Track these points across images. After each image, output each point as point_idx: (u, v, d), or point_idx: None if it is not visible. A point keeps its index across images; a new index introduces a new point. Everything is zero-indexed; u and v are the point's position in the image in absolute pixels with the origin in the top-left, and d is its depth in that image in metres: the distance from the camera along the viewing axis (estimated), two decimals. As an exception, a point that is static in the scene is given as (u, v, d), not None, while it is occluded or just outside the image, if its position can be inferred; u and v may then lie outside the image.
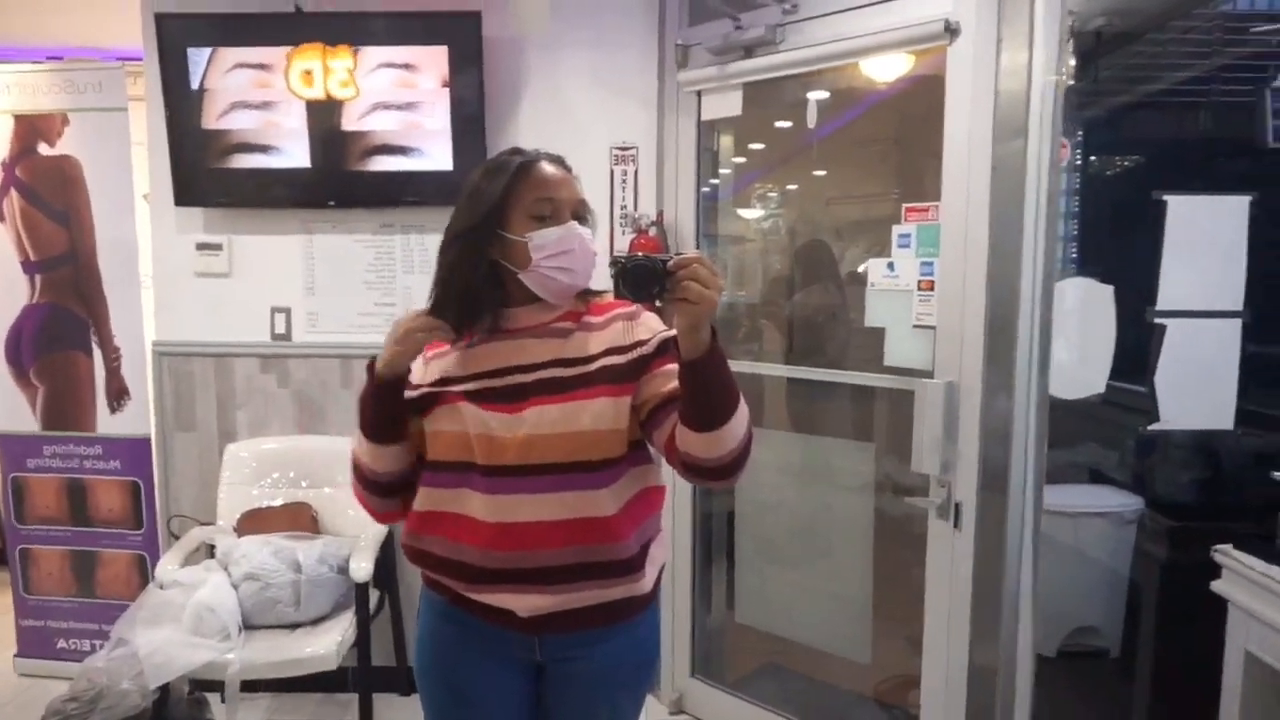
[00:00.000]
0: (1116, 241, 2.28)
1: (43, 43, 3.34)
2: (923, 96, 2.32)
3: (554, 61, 2.68)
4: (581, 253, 1.27)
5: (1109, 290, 1.87)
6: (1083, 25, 2.20)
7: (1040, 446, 1.93)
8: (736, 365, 2.69)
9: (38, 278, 2.87)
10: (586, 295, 1.34)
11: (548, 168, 1.28)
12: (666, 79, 2.65)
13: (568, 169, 1.31)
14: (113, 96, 2.73)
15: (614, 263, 1.09)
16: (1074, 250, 2.30)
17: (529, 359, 1.26)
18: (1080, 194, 1.96)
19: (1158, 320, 1.86)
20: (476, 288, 1.26)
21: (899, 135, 2.68)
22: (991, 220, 1.94)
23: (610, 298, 1.30)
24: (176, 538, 2.72)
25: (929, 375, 2.08)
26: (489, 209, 1.25)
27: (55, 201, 2.81)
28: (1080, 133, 2.36)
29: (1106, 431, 2.57)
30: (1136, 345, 1.84)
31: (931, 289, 2.08)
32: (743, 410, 1.14)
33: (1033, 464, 1.95)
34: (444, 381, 1.29)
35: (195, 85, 2.59)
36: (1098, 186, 2.22)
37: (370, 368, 1.25)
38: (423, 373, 1.31)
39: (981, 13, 1.94)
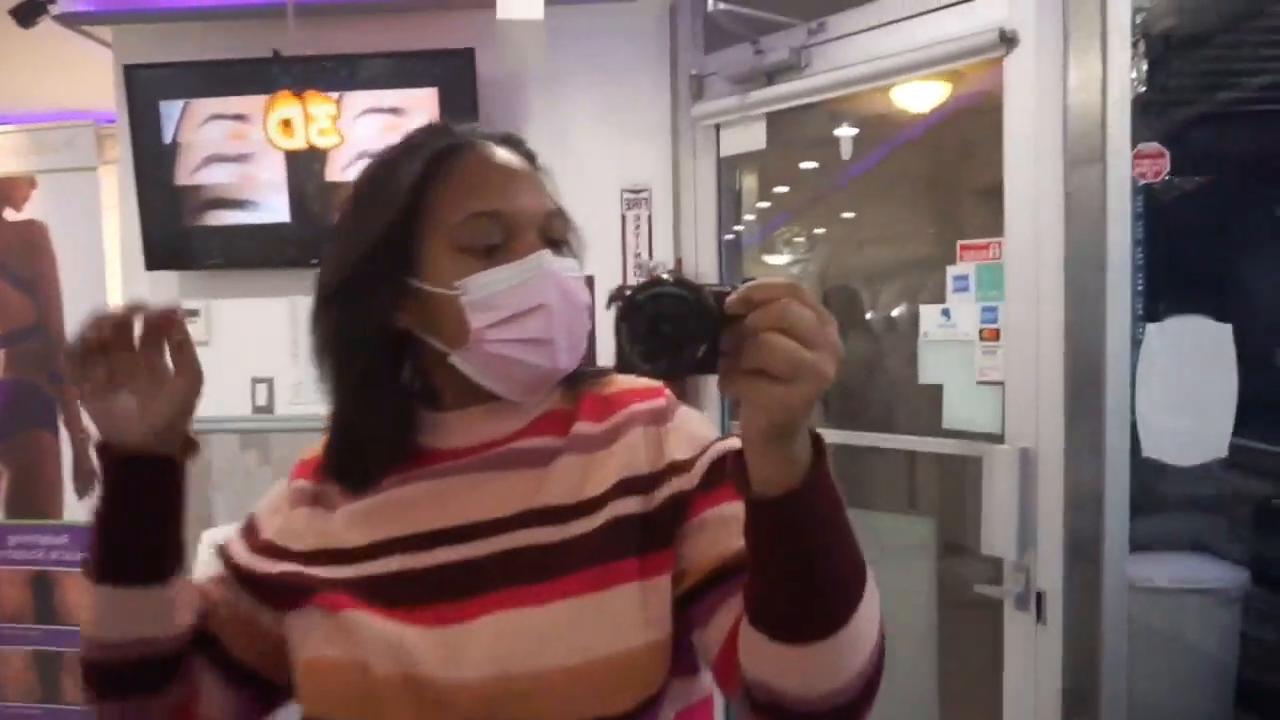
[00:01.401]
0: (1215, 272, 1.97)
1: (13, 108, 3.18)
2: (968, 122, 2.06)
3: (556, 99, 2.45)
4: (563, 309, 0.75)
5: (1226, 330, 1.55)
6: (1150, 27, 1.92)
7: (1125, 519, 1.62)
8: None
9: (1, 351, 2.65)
10: (577, 381, 0.82)
11: (494, 152, 0.78)
12: (681, 113, 2.40)
13: (530, 156, 0.82)
14: (82, 156, 2.54)
15: (617, 296, 0.59)
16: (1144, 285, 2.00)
17: (478, 513, 0.74)
18: (1150, 218, 1.67)
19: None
20: (369, 390, 0.77)
21: (943, 168, 2.41)
22: (1068, 256, 1.65)
23: (619, 381, 0.82)
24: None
25: (998, 439, 1.77)
26: (382, 236, 0.75)
27: (21, 270, 2.61)
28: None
29: (1204, 491, 2.23)
30: (1261, 393, 1.53)
31: (997, 339, 1.78)
32: (870, 600, 0.60)
33: (1124, 541, 1.64)
34: (314, 559, 0.76)
35: (168, 139, 2.38)
36: (1175, 208, 1.92)
37: (99, 448, 0.72)
38: (278, 535, 0.80)
39: (1043, 18, 1.68)
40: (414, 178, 0.76)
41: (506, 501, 0.75)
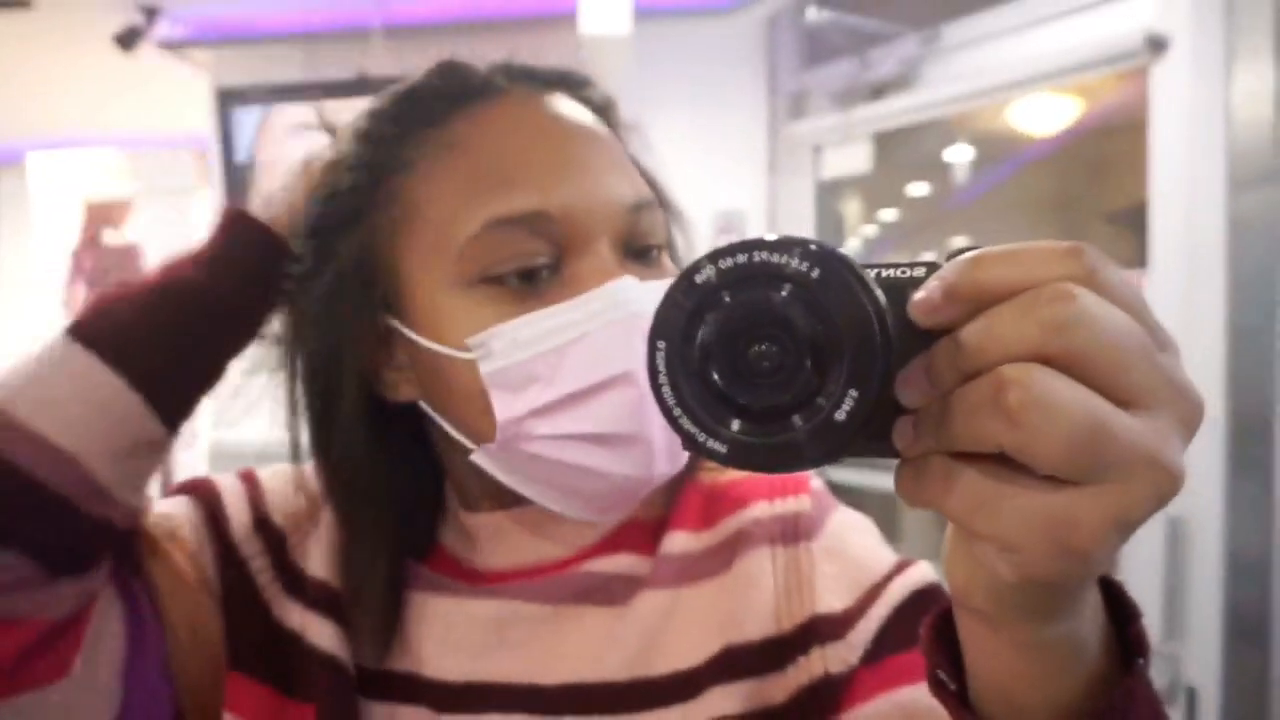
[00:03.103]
0: None
1: (115, 131, 3.29)
2: (1101, 140, 1.84)
3: (645, 119, 2.33)
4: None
5: None
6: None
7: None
8: (852, 474, 2.12)
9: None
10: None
11: (542, 104, 0.50)
12: (778, 133, 2.25)
13: (604, 109, 0.54)
14: (178, 179, 2.57)
15: (694, 271, 0.28)
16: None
17: (512, 669, 0.50)
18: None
19: None
20: (350, 491, 0.51)
21: (1070, 190, 2.18)
22: (1230, 294, 1.41)
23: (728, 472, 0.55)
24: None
25: (1141, 504, 1.54)
26: (353, 253, 0.49)
27: (118, 291, 2.66)
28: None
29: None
30: None
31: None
32: None
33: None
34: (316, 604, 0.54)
35: (245, 155, 2.36)
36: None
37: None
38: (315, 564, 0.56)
39: (1201, 19, 1.45)
40: (381, 149, 0.48)
41: (549, 660, 0.49)
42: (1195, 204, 1.46)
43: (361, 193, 0.49)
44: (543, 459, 0.45)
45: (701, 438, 0.27)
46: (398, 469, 0.52)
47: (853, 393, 0.25)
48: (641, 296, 0.45)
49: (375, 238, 0.48)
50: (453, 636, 0.51)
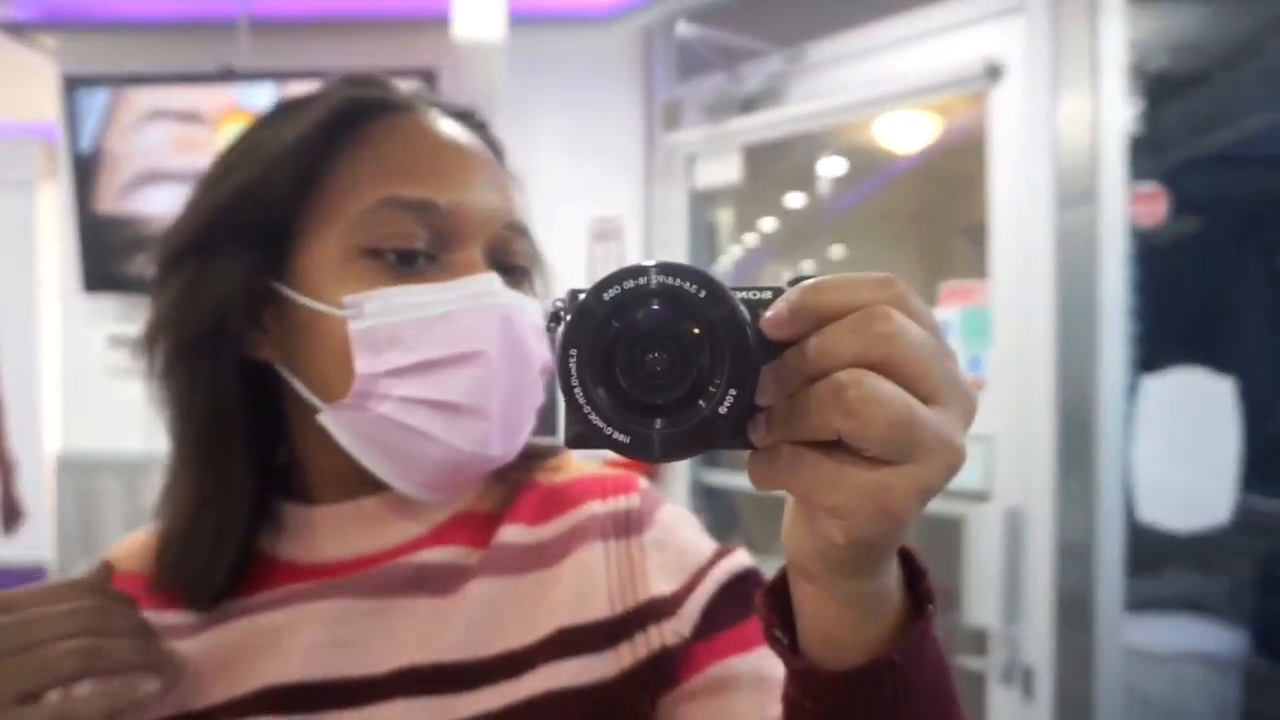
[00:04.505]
0: (1215, 322, 1.86)
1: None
2: (955, 158, 1.96)
3: (522, 125, 2.33)
4: (509, 367, 0.51)
5: (1227, 385, 1.43)
6: (1143, 63, 1.83)
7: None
8: (720, 476, 2.23)
9: (-73, 378, 2.48)
10: (511, 465, 0.57)
11: (441, 123, 0.55)
12: (654, 143, 2.29)
13: (495, 147, 0.59)
14: (19, 171, 2.40)
15: (560, 312, 0.34)
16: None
17: (335, 666, 0.51)
18: (1145, 264, 1.56)
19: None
20: (206, 456, 0.53)
21: (928, 205, 2.31)
22: (1059, 302, 1.53)
23: (573, 465, 0.60)
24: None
25: (983, 498, 1.64)
26: (236, 207, 0.52)
27: (-49, 290, 2.45)
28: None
29: (1204, 548, 2.10)
30: (1267, 448, 1.41)
31: (982, 389, 1.66)
32: None
33: (1118, 606, 1.51)
34: None
35: (91, 144, 2.19)
36: (1172, 254, 1.82)
37: None
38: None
39: (1032, 49, 1.58)
40: (307, 130, 0.51)
41: (381, 650, 0.50)
42: (1028, 219, 1.58)
43: (287, 182, 0.52)
44: (388, 421, 0.49)
45: (608, 430, 0.31)
46: (242, 448, 0.54)
47: (732, 390, 0.30)
48: (505, 294, 0.51)
49: (280, 209, 0.52)
50: (286, 643, 0.52)
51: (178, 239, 0.53)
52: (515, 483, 0.57)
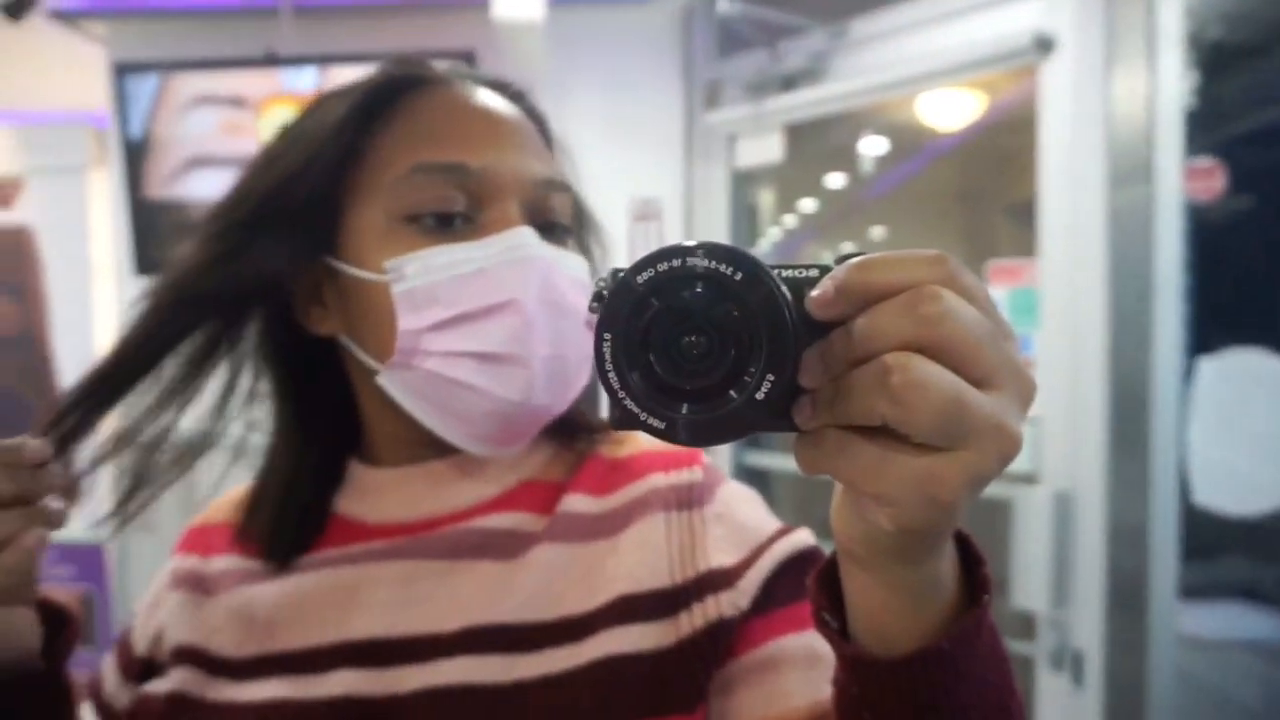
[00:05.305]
0: (1270, 301, 1.81)
1: (5, 106, 3.11)
2: (1003, 134, 1.92)
3: (562, 106, 2.31)
4: (545, 315, 0.52)
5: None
6: (1199, 34, 1.78)
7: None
8: (763, 457, 2.21)
9: (-12, 360, 2.56)
10: (575, 438, 0.60)
11: (473, 92, 0.56)
12: (694, 122, 2.28)
13: (534, 114, 0.60)
14: (72, 156, 2.45)
15: (602, 291, 0.31)
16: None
17: (401, 624, 0.53)
18: (1200, 241, 1.52)
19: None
20: (283, 426, 0.60)
21: (974, 182, 2.26)
22: (1110, 281, 1.50)
23: (636, 440, 0.60)
24: (123, 664, 2.33)
25: (1030, 480, 1.62)
26: (285, 193, 0.53)
27: (9, 276, 2.52)
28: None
29: (1259, 532, 2.06)
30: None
31: (1031, 370, 1.63)
32: None
33: (1172, 591, 1.48)
34: (189, 658, 0.56)
35: (137, 131, 2.24)
36: (1229, 231, 1.77)
37: None
38: (154, 642, 0.59)
39: (1083, 22, 1.54)
40: (346, 111, 0.53)
41: (447, 609, 0.52)
42: (1079, 197, 1.55)
43: (330, 163, 0.54)
44: (435, 376, 0.51)
45: (643, 415, 0.30)
46: (307, 417, 0.60)
47: (770, 375, 0.29)
48: (538, 246, 0.52)
49: (325, 187, 0.54)
50: (360, 599, 0.54)
51: (230, 228, 0.54)
52: (580, 454, 0.59)
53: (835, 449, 0.30)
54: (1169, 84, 1.46)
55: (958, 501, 0.29)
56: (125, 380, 0.52)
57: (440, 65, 0.58)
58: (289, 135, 0.56)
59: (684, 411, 0.30)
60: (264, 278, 0.53)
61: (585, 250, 0.60)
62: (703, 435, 0.30)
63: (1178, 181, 1.47)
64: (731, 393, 0.29)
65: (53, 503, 0.46)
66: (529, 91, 0.61)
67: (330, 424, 0.59)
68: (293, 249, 0.53)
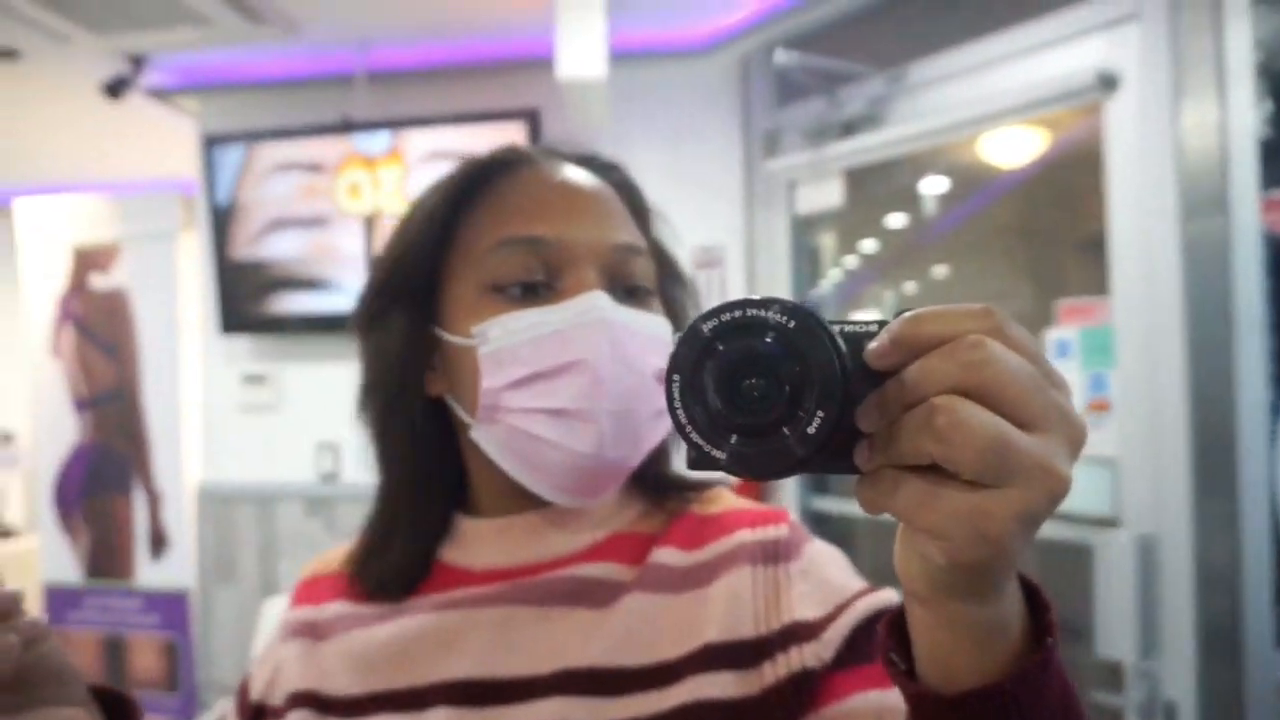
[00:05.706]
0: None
1: (103, 177, 3.32)
2: (1067, 171, 1.90)
3: (625, 158, 2.38)
4: (613, 372, 0.55)
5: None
6: (1269, 63, 1.75)
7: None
8: (831, 503, 2.20)
9: (88, 415, 2.70)
10: (668, 494, 0.64)
11: (556, 169, 0.61)
12: (755, 170, 2.30)
13: (621, 183, 0.65)
14: (163, 223, 2.60)
15: (702, 321, 0.34)
16: None
17: (499, 666, 0.57)
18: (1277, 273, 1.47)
19: None
20: (399, 478, 0.63)
21: (1039, 220, 2.23)
22: (1189, 317, 1.46)
23: (726, 499, 0.63)
24: (206, 708, 2.39)
25: (1111, 524, 1.57)
26: (399, 271, 0.61)
27: (105, 335, 2.67)
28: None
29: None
30: None
31: (1107, 410, 1.59)
32: None
33: (1269, 636, 1.41)
34: (305, 702, 0.60)
35: (228, 196, 2.37)
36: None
37: None
38: (267, 687, 0.64)
39: (1148, 57, 1.52)
40: (445, 195, 0.60)
41: (542, 653, 0.55)
42: (1151, 231, 1.52)
43: (428, 245, 0.60)
44: (515, 430, 0.56)
45: (706, 448, 0.33)
46: (425, 470, 0.63)
47: (820, 413, 0.32)
48: (610, 309, 0.56)
49: (427, 266, 0.60)
50: (460, 643, 0.58)
51: (362, 311, 0.62)
52: (671, 511, 0.62)
53: (891, 487, 0.32)
54: (1241, 115, 1.44)
55: (1006, 537, 0.30)
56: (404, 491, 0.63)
57: (528, 148, 0.63)
58: (400, 226, 0.63)
59: (733, 441, 0.33)
60: (394, 356, 0.60)
61: (674, 307, 0.64)
62: (757, 467, 0.33)
63: (1255, 213, 1.43)
64: (785, 429, 0.32)
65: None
66: (619, 165, 0.66)
67: (442, 481, 0.63)
68: (408, 324, 0.60)
